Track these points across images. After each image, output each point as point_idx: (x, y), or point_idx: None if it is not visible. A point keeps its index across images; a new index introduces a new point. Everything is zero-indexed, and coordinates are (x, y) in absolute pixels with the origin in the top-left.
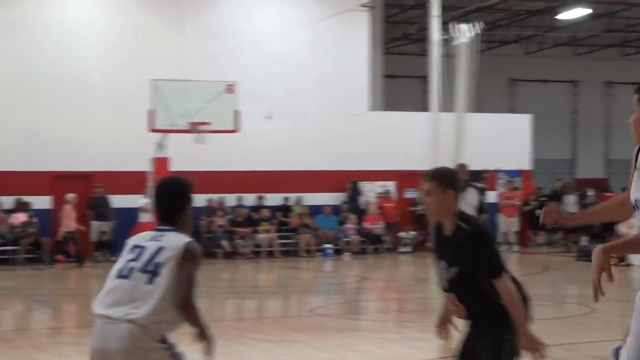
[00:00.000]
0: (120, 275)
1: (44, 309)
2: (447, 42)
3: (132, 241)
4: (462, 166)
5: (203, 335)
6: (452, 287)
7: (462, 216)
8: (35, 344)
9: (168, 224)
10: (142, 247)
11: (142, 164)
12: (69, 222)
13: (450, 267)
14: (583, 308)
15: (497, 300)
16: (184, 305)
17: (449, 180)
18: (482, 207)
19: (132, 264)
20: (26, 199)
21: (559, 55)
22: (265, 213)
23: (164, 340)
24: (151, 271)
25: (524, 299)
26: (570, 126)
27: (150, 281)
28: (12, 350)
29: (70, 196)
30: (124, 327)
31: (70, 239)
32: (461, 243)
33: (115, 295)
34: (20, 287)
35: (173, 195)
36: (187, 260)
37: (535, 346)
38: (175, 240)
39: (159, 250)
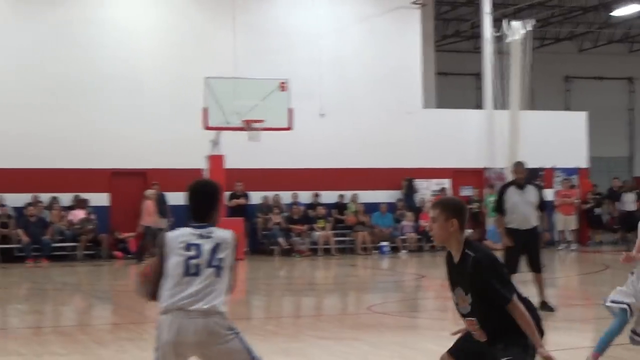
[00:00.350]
0: (189, 273)
1: (104, 304)
2: (499, 39)
3: (180, 238)
4: (520, 164)
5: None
6: (473, 311)
7: (468, 244)
8: (96, 339)
9: (201, 221)
10: (197, 245)
11: (197, 161)
12: (149, 218)
13: (467, 294)
14: None
15: (513, 320)
16: (232, 290)
17: (453, 209)
18: (542, 205)
19: (196, 261)
20: (84, 195)
21: (613, 52)
22: (321, 210)
23: (231, 327)
24: (216, 266)
25: (536, 316)
26: (627, 123)
27: (218, 274)
28: (73, 345)
29: (150, 192)
30: (202, 320)
31: (150, 234)
32: (468, 270)
33: (189, 290)
34: (81, 283)
35: (207, 196)
36: (236, 250)
37: None
38: (225, 235)
39: (217, 246)
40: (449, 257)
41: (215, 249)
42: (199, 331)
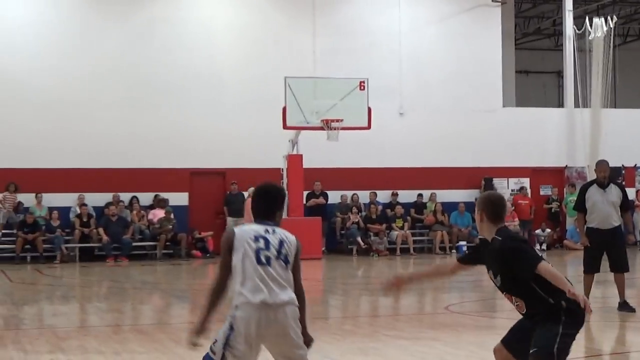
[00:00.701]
0: (260, 262)
1: (182, 303)
2: (581, 36)
3: (248, 232)
4: (603, 163)
5: (303, 323)
6: (504, 291)
7: (499, 231)
8: (174, 338)
9: (267, 220)
10: (264, 238)
11: (275, 160)
12: (249, 216)
13: (496, 276)
14: None
15: (545, 297)
16: (300, 291)
17: (482, 203)
18: (626, 205)
19: (266, 252)
20: (164, 195)
21: None
22: (399, 210)
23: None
24: (284, 259)
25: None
26: None
27: (286, 267)
28: (151, 344)
29: (252, 190)
30: (283, 310)
31: None
32: (495, 253)
33: (265, 282)
34: (160, 282)
35: (274, 198)
36: (299, 253)
37: (584, 303)
38: (290, 236)
39: (282, 242)
40: (484, 242)
41: (281, 244)
42: (283, 319)
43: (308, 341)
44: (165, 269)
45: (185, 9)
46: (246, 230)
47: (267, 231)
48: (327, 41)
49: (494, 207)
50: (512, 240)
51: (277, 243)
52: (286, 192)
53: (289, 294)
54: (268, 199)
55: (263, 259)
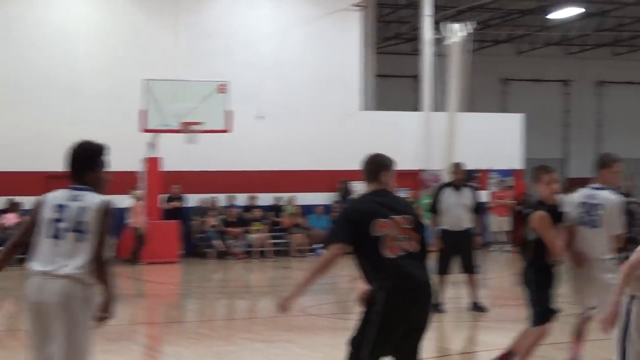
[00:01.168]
0: (51, 236)
1: None
2: (439, 41)
3: (52, 200)
4: (458, 165)
5: (107, 292)
6: None
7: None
8: (26, 345)
9: (79, 183)
10: (64, 206)
11: (133, 164)
12: (138, 218)
13: None
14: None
15: (369, 279)
16: (98, 258)
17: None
18: (477, 208)
19: (60, 224)
20: (18, 199)
21: (550, 55)
22: (257, 213)
23: (87, 301)
24: (79, 230)
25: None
26: (562, 125)
27: (79, 239)
28: (2, 351)
29: (139, 193)
30: (61, 282)
31: (139, 235)
32: None
33: (51, 254)
34: (12, 288)
35: (82, 158)
36: (105, 217)
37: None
38: (95, 201)
39: (83, 210)
40: None
41: (81, 212)
42: (60, 290)
43: (105, 315)
44: (17, 274)
45: (42, 7)
46: (51, 198)
47: (71, 198)
48: (188, 42)
49: (364, 166)
50: (344, 208)
51: (76, 212)
52: (101, 147)
53: (75, 269)
54: (74, 158)
55: (55, 232)
